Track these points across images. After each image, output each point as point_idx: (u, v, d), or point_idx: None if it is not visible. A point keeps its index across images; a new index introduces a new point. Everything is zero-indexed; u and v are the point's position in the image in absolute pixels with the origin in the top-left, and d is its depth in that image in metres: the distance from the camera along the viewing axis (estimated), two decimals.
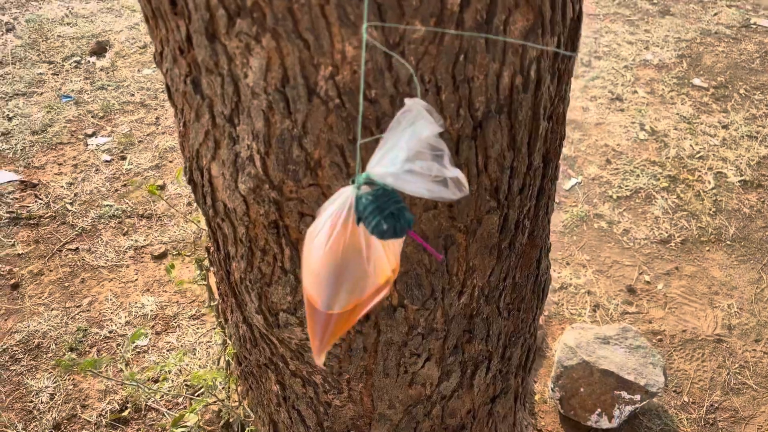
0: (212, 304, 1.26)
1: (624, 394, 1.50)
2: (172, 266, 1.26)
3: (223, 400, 1.32)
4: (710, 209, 2.22)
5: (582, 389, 1.53)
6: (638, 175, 2.35)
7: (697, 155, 2.46)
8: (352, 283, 0.57)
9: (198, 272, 1.29)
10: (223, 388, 1.37)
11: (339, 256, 0.56)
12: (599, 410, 1.53)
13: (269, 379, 0.98)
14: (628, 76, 2.96)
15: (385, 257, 0.58)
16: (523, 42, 0.63)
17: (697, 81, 2.94)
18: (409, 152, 0.51)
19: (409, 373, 0.89)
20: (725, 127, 2.63)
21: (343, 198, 0.55)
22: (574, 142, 2.53)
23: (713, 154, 2.47)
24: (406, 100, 0.52)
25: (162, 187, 2.21)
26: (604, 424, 1.54)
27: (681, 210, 2.21)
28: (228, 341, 1.19)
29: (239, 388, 1.25)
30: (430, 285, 0.78)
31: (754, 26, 3.46)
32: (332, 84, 0.59)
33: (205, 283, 1.24)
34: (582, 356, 1.53)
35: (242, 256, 0.78)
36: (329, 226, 0.55)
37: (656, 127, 2.61)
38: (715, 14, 3.56)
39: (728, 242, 2.10)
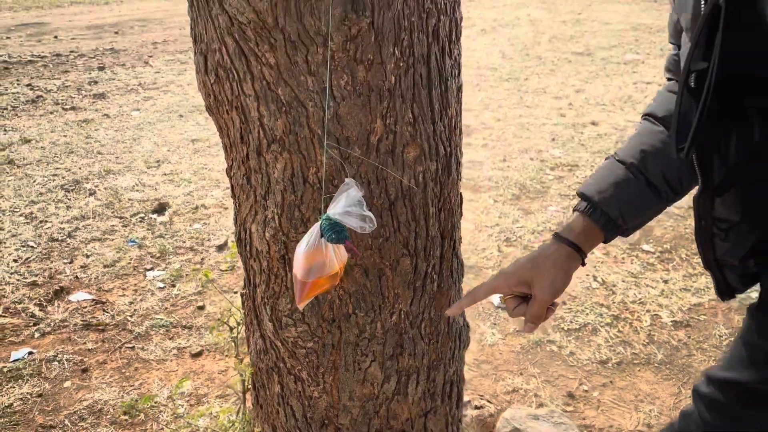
0: (239, 359, 1.80)
1: None
2: (213, 328, 1.81)
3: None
4: (644, 340, 2.72)
5: None
6: (587, 314, 2.88)
7: (639, 301, 3.00)
8: (317, 268, 1.14)
9: (223, 363, 1.83)
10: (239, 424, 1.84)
11: (311, 255, 1.14)
12: None
13: (273, 381, 1.49)
14: None
15: (335, 259, 1.15)
16: (412, 165, 1.25)
17: (646, 246, 3.55)
18: (347, 203, 1.12)
19: (362, 370, 1.40)
20: (665, 281, 3.18)
21: (315, 228, 1.14)
22: None
23: (652, 301, 3.00)
24: (346, 179, 1.13)
25: (202, 308, 2.80)
26: None
27: (619, 340, 2.71)
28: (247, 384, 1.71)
29: (252, 407, 1.74)
30: (371, 301, 1.33)
31: None
32: (316, 177, 1.22)
33: (227, 374, 1.78)
34: (514, 425, 1.98)
35: (263, 281, 1.36)
36: (305, 242, 1.14)
37: (607, 280, 3.18)
38: None
39: (656, 365, 2.57)
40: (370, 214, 1.12)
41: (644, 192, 1.22)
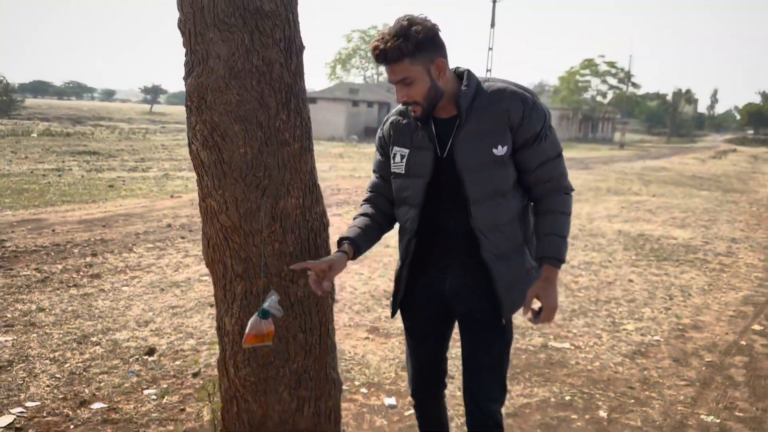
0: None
1: None
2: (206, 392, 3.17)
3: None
4: None
5: None
6: None
7: None
8: (256, 331, 2.58)
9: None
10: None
11: (254, 326, 2.61)
12: None
13: (233, 405, 2.85)
14: None
15: (264, 329, 2.61)
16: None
17: None
18: (270, 303, 2.61)
19: (278, 394, 2.79)
20: None
21: (255, 315, 2.61)
22: None
23: None
24: (271, 292, 2.64)
25: (183, 410, 4.09)
26: None
27: None
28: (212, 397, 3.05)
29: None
30: (283, 355, 2.76)
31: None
32: (257, 291, 2.71)
33: None
34: None
35: (230, 347, 2.79)
36: (251, 321, 2.61)
37: None
38: None
39: None
40: (280, 308, 2.62)
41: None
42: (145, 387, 4.44)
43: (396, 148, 2.50)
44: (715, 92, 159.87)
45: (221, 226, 2.64)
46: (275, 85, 2.48)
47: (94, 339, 5.30)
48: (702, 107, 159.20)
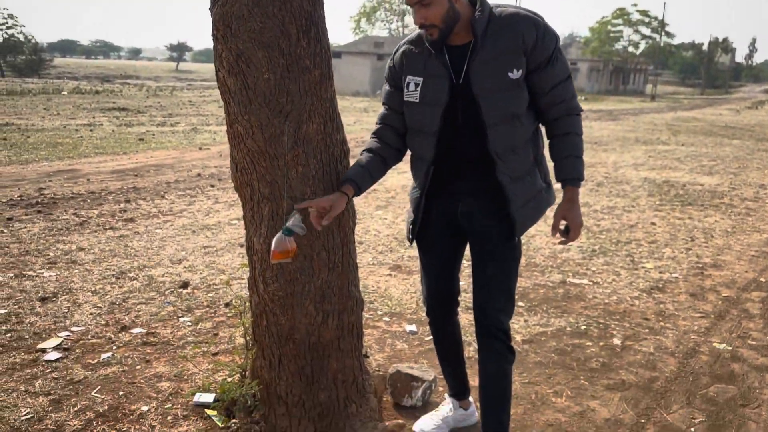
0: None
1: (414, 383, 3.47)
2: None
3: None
4: None
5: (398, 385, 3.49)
6: None
7: None
8: (281, 248, 2.77)
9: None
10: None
11: (278, 242, 2.80)
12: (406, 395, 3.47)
13: (262, 318, 3.07)
14: None
15: (288, 245, 2.80)
16: None
17: None
18: (293, 221, 2.80)
19: (303, 308, 2.99)
20: None
21: (280, 233, 2.80)
22: None
23: None
24: (294, 212, 2.82)
25: (216, 334, 4.35)
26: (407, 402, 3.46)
27: None
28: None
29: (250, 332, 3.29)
30: (308, 272, 2.95)
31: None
32: (282, 212, 2.90)
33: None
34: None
35: (259, 265, 2.99)
36: (276, 238, 2.80)
37: None
38: None
39: None
40: (303, 226, 2.81)
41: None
42: (180, 315, 4.72)
43: (409, 77, 2.53)
44: (754, 41, 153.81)
45: (248, 150, 2.80)
46: (295, 13, 2.61)
47: (131, 275, 5.58)
48: (739, 57, 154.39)
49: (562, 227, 2.58)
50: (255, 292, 3.09)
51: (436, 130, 2.54)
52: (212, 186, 9.91)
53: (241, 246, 6.37)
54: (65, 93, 33.47)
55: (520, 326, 4.64)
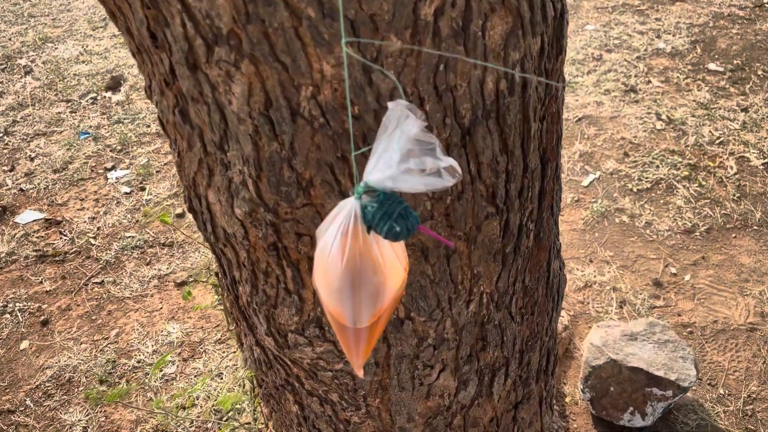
0: (231, 328, 1.27)
1: (655, 390, 1.47)
2: (189, 293, 1.28)
3: (250, 423, 1.32)
4: (734, 195, 2.17)
5: (612, 388, 1.50)
6: (657, 166, 2.32)
7: (717, 141, 2.41)
8: (372, 293, 0.57)
9: (216, 297, 1.30)
10: (250, 411, 1.37)
11: (357, 268, 0.56)
12: (631, 409, 1.50)
13: (288, 399, 0.98)
14: (641, 66, 2.92)
15: (396, 259, 0.58)
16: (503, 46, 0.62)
17: (712, 66, 2.89)
18: (401, 153, 0.51)
19: (425, 385, 0.89)
20: (745, 110, 2.57)
21: (347, 211, 0.55)
22: (590, 138, 2.50)
23: (734, 139, 2.42)
24: (389, 104, 0.52)
25: (181, 215, 2.24)
26: (638, 422, 1.50)
27: (704, 198, 2.17)
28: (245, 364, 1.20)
29: (264, 410, 1.26)
30: (436, 295, 0.77)
31: None
32: (315, 104, 0.60)
33: (222, 308, 1.25)
34: (609, 355, 1.50)
35: (246, 279, 0.79)
36: (340, 242, 0.55)
37: (673, 116, 2.56)
38: None
39: (755, 227, 2.05)
40: (450, 160, 0.52)
41: None
42: (109, 164, 2.55)
43: None
44: None
45: None
46: None
47: (22, 62, 3.26)
48: None
49: None
50: (249, 335, 0.90)
51: None
52: None
53: None
54: None
55: None
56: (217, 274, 0.99)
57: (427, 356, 0.84)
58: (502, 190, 0.73)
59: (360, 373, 0.63)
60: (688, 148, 2.39)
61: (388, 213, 0.54)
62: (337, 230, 0.55)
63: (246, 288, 0.80)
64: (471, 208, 0.71)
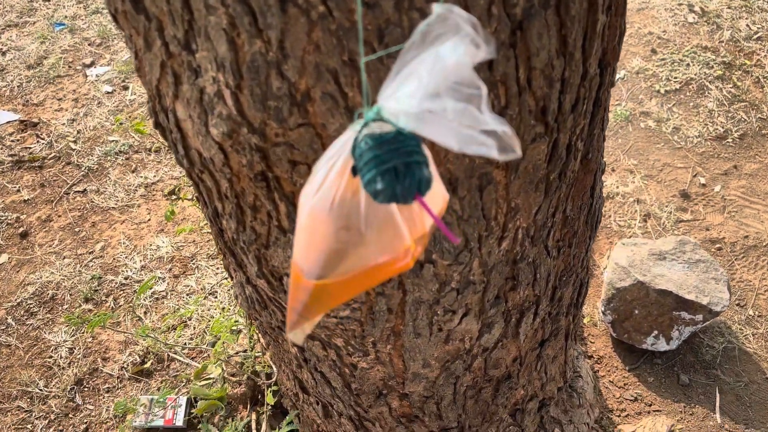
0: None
1: (684, 314, 1.36)
2: (173, 213, 1.13)
3: (246, 350, 1.22)
4: None
5: (636, 311, 1.39)
6: (688, 65, 2.11)
7: (755, 36, 2.19)
8: (338, 252, 0.42)
9: (205, 218, 1.15)
10: (245, 335, 1.26)
11: (344, 215, 0.41)
12: (656, 332, 1.39)
13: (286, 340, 0.86)
14: None
15: (397, 224, 0.42)
16: None
17: None
18: (431, 85, 0.34)
19: (444, 331, 0.76)
20: None
21: (346, 138, 0.39)
22: None
23: None
24: (436, 6, 0.34)
25: None
26: (662, 346, 1.41)
27: (738, 101, 1.98)
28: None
29: (262, 340, 1.15)
30: (464, 234, 0.63)
31: None
32: None
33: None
34: (636, 276, 1.38)
35: (230, 214, 0.64)
36: (333, 180, 0.39)
37: (707, 7, 2.32)
38: None
39: None
40: (499, 123, 0.35)
41: None
42: (88, 60, 2.33)
43: None
44: None
45: None
46: None
47: None
48: None
49: None
50: (239, 273, 0.77)
51: None
52: None
53: None
54: None
55: None
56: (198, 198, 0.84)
57: (449, 301, 0.71)
58: (554, 104, 0.56)
59: (289, 336, 0.49)
60: (722, 44, 2.17)
61: (382, 159, 0.37)
62: (329, 163, 0.39)
63: (230, 223, 0.65)
64: (516, 128, 0.55)
